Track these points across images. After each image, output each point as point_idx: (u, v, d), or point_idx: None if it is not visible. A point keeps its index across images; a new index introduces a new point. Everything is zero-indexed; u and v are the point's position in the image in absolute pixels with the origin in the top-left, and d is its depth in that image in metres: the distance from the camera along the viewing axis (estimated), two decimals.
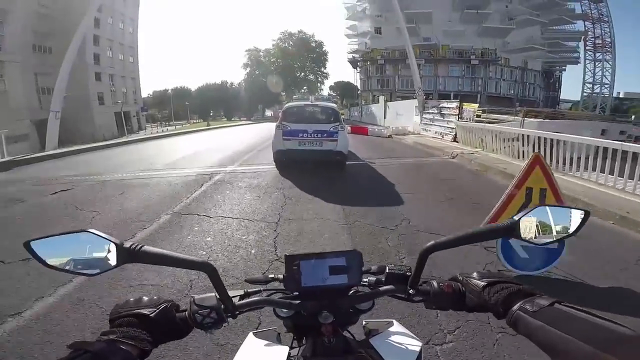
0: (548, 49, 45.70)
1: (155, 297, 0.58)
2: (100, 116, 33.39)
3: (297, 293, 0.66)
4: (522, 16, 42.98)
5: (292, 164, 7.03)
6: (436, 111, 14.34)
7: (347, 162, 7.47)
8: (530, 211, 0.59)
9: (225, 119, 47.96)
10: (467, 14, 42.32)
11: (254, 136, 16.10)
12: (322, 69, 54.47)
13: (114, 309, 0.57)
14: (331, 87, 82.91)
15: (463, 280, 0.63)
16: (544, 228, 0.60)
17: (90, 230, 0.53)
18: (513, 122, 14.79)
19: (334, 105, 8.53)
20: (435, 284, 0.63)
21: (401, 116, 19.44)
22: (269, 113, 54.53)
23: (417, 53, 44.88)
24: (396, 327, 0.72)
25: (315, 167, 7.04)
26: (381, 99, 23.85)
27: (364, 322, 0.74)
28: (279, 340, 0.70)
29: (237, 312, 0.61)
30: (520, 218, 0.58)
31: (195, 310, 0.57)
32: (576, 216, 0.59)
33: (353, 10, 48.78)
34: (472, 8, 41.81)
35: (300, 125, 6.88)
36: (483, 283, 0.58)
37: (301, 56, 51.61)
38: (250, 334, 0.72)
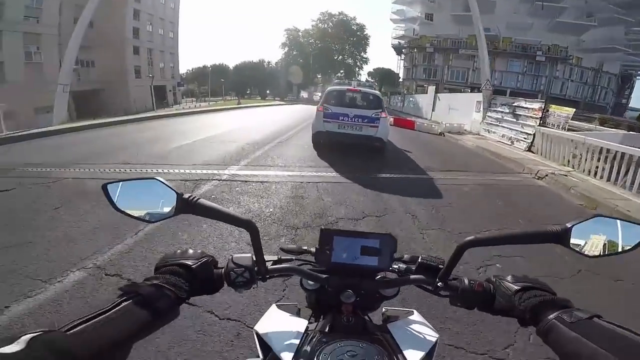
0: (632, 51, 39.02)
1: (199, 251, 0.62)
2: (136, 89, 33.31)
3: (324, 268, 0.66)
4: (604, 14, 36.72)
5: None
6: (507, 110, 11.58)
7: (406, 176, 5.92)
8: (585, 220, 0.56)
9: (260, 98, 46.64)
10: (538, 6, 36.96)
11: (280, 121, 13.97)
12: (362, 54, 51.22)
13: (162, 258, 0.60)
14: (370, 74, 79.09)
15: (496, 282, 0.61)
16: (597, 240, 0.56)
17: (157, 178, 0.57)
18: (596, 132, 11.61)
19: (377, 92, 8.25)
20: (466, 281, 0.61)
21: (455, 111, 16.62)
22: (304, 95, 52.76)
23: (473, 43, 40.65)
24: (416, 316, 0.71)
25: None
26: (431, 89, 20.93)
27: (384, 309, 0.74)
28: (298, 314, 0.71)
29: (268, 276, 0.62)
30: (573, 225, 0.55)
31: (232, 268, 0.59)
32: (635, 231, 0.56)
33: None
34: (545, 0, 36.40)
35: (342, 109, 6.88)
36: (516, 287, 0.56)
37: (340, 39, 48.68)
38: (274, 305, 0.75)
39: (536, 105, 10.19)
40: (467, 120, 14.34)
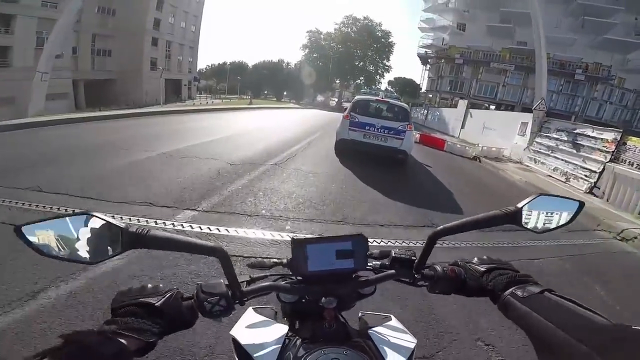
0: None
1: (160, 285, 0.56)
2: (150, 82, 32.43)
3: (301, 278, 0.66)
4: None
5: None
6: (565, 138, 9.46)
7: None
8: (532, 200, 0.62)
9: (275, 99, 45.25)
10: (583, 21, 34.17)
11: (288, 129, 11.66)
12: (385, 61, 49.15)
13: (116, 296, 0.53)
14: (390, 82, 76.71)
15: (464, 266, 0.64)
16: (543, 216, 0.63)
17: (92, 213, 0.49)
18: None
19: (405, 105, 8.31)
20: (439, 268, 0.64)
21: (490, 131, 14.48)
22: (320, 99, 51.13)
23: (506, 57, 38.12)
24: (394, 322, 0.73)
25: None
26: (462, 102, 18.78)
27: (360, 314, 0.75)
28: (275, 318, 0.72)
29: (245, 299, 0.60)
30: (523, 206, 0.61)
31: (204, 298, 0.55)
32: (572, 205, 0.63)
33: (433, 2, 42.56)
34: (592, 15, 33.58)
35: (369, 119, 6.96)
36: (482, 269, 0.61)
37: (363, 44, 46.82)
38: (250, 308, 0.73)
39: (609, 135, 8.05)
40: (506, 144, 12.21)
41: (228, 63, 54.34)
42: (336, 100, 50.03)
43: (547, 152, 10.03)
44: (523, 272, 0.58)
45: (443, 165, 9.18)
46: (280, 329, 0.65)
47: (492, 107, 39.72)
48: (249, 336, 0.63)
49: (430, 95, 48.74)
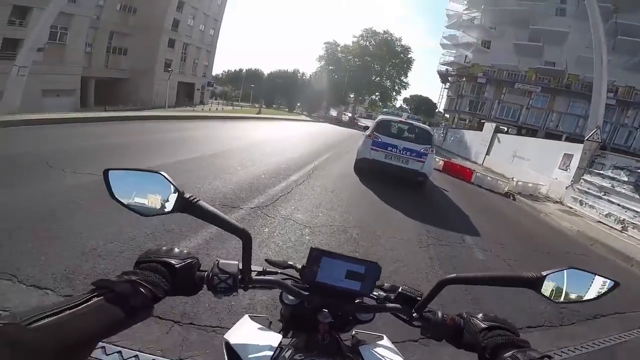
0: None
1: (185, 251, 0.61)
2: (162, 83, 32.00)
3: (307, 286, 0.67)
4: None
5: None
6: (624, 177, 7.78)
7: None
8: (559, 271, 0.60)
9: (287, 110, 44.36)
10: (617, 41, 32.13)
11: (292, 148, 9.64)
12: (402, 78, 47.80)
13: (145, 253, 0.59)
14: (405, 100, 75.18)
15: (466, 318, 0.64)
16: (569, 289, 0.60)
17: (161, 172, 0.56)
18: None
19: (428, 127, 8.21)
20: (440, 314, 0.65)
21: (522, 161, 12.78)
22: (333, 113, 50.13)
23: (532, 77, 36.30)
24: (385, 342, 0.73)
25: None
26: (488, 125, 17.14)
27: (354, 331, 0.76)
28: (270, 327, 0.73)
29: (250, 286, 0.64)
30: (547, 275, 0.59)
31: (216, 273, 0.60)
32: (604, 284, 0.60)
33: (458, 18, 41.33)
34: (627, 35, 31.58)
35: (392, 140, 6.98)
36: (484, 325, 0.60)
37: (381, 59, 45.68)
38: (246, 315, 0.76)
39: None
40: (542, 179, 10.51)
41: (244, 70, 54.23)
42: (349, 115, 48.98)
43: (597, 194, 8.33)
44: (522, 338, 0.57)
45: (472, 202, 7.61)
46: (274, 337, 0.66)
47: (514, 131, 37.77)
48: (242, 341, 0.64)
49: (447, 115, 47.11)
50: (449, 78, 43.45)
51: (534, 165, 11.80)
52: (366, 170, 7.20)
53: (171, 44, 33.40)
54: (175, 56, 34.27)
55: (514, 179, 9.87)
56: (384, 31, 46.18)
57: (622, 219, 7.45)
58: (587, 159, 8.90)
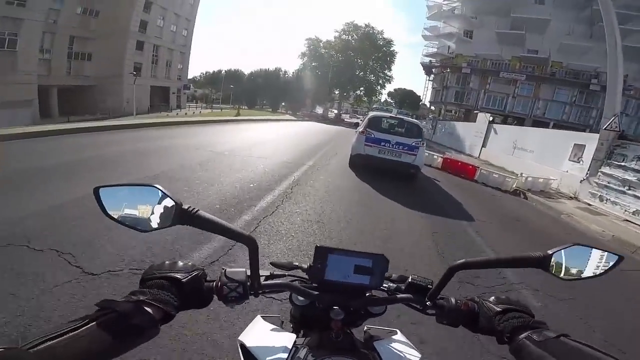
0: None
1: (190, 263, 0.59)
2: (132, 89, 29.94)
3: (316, 284, 0.67)
4: None
5: None
6: None
7: None
8: (564, 248, 0.60)
9: (271, 110, 42.60)
10: (597, 28, 31.94)
11: (269, 157, 7.60)
12: (386, 71, 46.86)
13: (148, 269, 0.57)
14: (390, 94, 74.33)
15: (479, 302, 0.63)
16: (575, 266, 0.61)
17: (156, 185, 0.53)
18: None
19: (418, 122, 8.75)
20: (453, 300, 0.64)
21: (525, 153, 11.82)
22: (318, 110, 48.76)
23: (516, 66, 35.93)
24: (399, 336, 0.73)
25: None
26: (482, 116, 16.16)
27: (365, 327, 0.75)
28: (282, 327, 0.73)
29: (260, 292, 0.62)
30: (553, 253, 0.59)
31: (225, 282, 0.58)
32: (609, 259, 0.61)
33: (438, 9, 40.59)
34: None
35: (384, 135, 7.14)
36: (498, 309, 0.59)
37: (364, 53, 44.64)
38: (258, 316, 0.75)
39: None
40: (550, 172, 9.52)
41: (223, 71, 52.17)
42: (335, 112, 47.65)
43: (620, 188, 7.35)
44: (538, 319, 0.57)
45: (481, 205, 6.47)
46: (288, 337, 0.65)
47: (499, 120, 37.49)
48: (256, 342, 0.64)
49: (433, 108, 46.54)
50: (433, 70, 42.76)
51: (538, 158, 10.83)
52: (361, 165, 7.41)
53: (140, 46, 31.27)
54: (145, 59, 32.13)
55: (523, 175, 8.82)
56: (366, 24, 45.13)
57: None
58: (604, 150, 7.91)
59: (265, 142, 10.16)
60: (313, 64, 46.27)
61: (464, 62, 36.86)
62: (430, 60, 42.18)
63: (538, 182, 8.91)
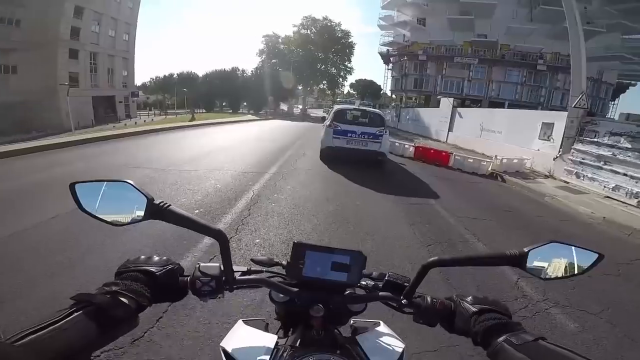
0: (632, 58, 36.48)
1: (164, 258, 0.60)
2: (72, 101, 26.77)
3: (295, 282, 0.66)
4: (603, 20, 33.82)
5: None
6: (627, 144, 6.68)
7: None
8: (542, 245, 0.58)
9: (231, 112, 40.37)
10: (538, 11, 33.78)
11: (218, 172, 6.84)
12: (347, 63, 46.58)
13: (125, 263, 0.58)
14: (351, 85, 74.44)
15: (456, 301, 0.62)
16: (553, 264, 0.59)
17: (128, 181, 0.55)
18: None
19: (379, 111, 9.34)
20: (428, 299, 0.63)
21: (493, 135, 11.71)
22: (284, 108, 47.30)
23: (468, 51, 37.06)
24: (382, 327, 0.72)
25: None
26: (445, 101, 16.06)
27: (351, 321, 0.75)
28: (267, 330, 0.71)
29: (235, 287, 0.62)
30: (530, 250, 0.58)
31: (198, 277, 0.59)
32: (589, 257, 0.59)
33: None
34: (547, 4, 33.18)
35: (350, 126, 7.49)
36: (474, 309, 0.58)
37: (324, 46, 43.97)
38: (240, 321, 0.73)
39: None
40: (521, 152, 9.37)
41: (175, 74, 48.80)
42: (300, 107, 46.50)
43: (596, 164, 7.21)
44: (514, 321, 0.56)
45: (465, 196, 5.94)
46: (270, 338, 0.64)
47: (456, 103, 38.68)
48: (238, 346, 0.63)
49: (394, 96, 47.10)
50: (391, 58, 43.04)
51: (507, 138, 10.71)
52: (331, 156, 7.62)
53: (74, 54, 28.04)
54: (81, 68, 28.91)
55: (497, 157, 8.52)
56: (324, 17, 44.36)
57: (635, 192, 6.31)
58: (575, 127, 7.77)
59: (221, 149, 8.85)
60: (273, 60, 44.77)
61: (420, 49, 37.37)
62: (388, 50, 42.40)
63: (513, 163, 8.68)
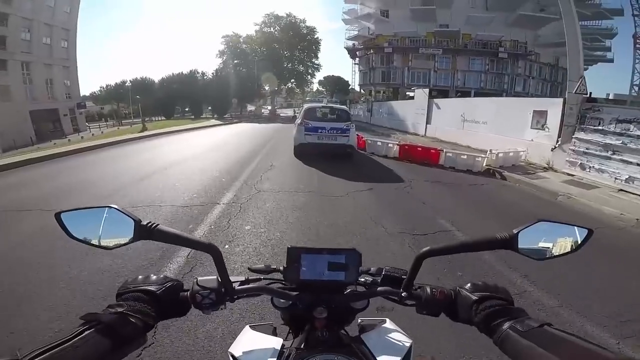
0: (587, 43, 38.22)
1: (162, 276, 0.61)
2: (5, 118, 23.26)
3: (294, 286, 0.67)
4: (556, 7, 35.14)
5: None
6: (638, 131, 5.88)
7: None
8: (530, 225, 0.58)
9: (193, 117, 37.50)
10: (493, 1, 34.30)
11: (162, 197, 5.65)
12: (313, 60, 45.23)
13: (123, 284, 0.59)
14: (320, 82, 73.16)
15: (456, 290, 0.62)
16: (544, 243, 0.58)
17: (113, 206, 0.56)
18: None
19: (345, 107, 10.15)
20: (428, 289, 0.63)
21: (477, 125, 10.89)
22: (250, 109, 45.02)
23: (431, 41, 37.04)
24: (388, 324, 0.73)
25: None
26: (420, 93, 15.19)
27: (359, 320, 0.75)
28: (274, 334, 0.71)
29: (236, 297, 0.62)
30: (519, 231, 0.58)
31: (197, 290, 0.59)
32: (579, 233, 0.58)
33: None
34: None
35: (319, 123, 7.92)
36: (474, 297, 0.57)
37: (289, 44, 42.30)
38: (247, 326, 0.74)
39: None
40: (514, 142, 8.53)
41: (129, 81, 44.90)
42: (269, 108, 44.51)
43: (604, 154, 6.41)
44: (516, 306, 0.55)
45: (468, 204, 4.81)
46: (275, 342, 0.65)
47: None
48: (245, 351, 0.64)
49: (363, 90, 46.53)
50: (357, 53, 42.30)
51: (494, 129, 9.90)
52: (305, 152, 7.92)
53: (2, 65, 24.44)
54: (13, 80, 25.37)
55: (492, 151, 7.57)
56: (287, 14, 42.59)
57: None
58: (575, 114, 6.95)
59: (163, 168, 6.87)
60: (235, 61, 42.42)
61: (385, 42, 36.84)
62: (354, 44, 41.58)
63: (509, 157, 7.79)
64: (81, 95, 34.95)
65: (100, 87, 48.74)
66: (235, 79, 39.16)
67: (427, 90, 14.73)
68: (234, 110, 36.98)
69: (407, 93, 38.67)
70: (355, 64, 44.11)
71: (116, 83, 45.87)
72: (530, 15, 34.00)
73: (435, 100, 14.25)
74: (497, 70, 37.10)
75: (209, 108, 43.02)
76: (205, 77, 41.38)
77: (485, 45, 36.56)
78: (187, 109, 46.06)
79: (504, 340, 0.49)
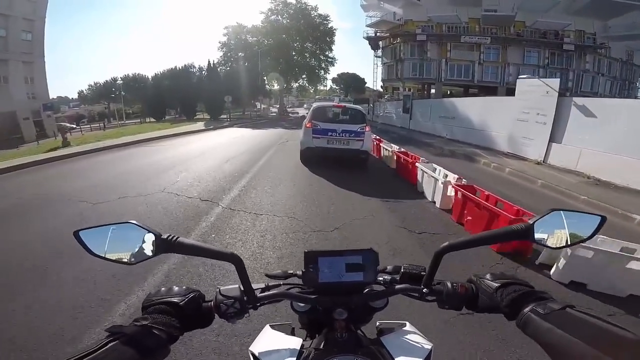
0: None
1: (184, 287, 0.61)
2: None
3: (313, 289, 0.67)
4: None
5: None
6: None
7: None
8: (545, 215, 0.59)
9: (185, 119, 31.40)
10: None
11: None
12: (327, 53, 38.74)
13: (147, 297, 0.59)
14: (333, 80, 66.60)
15: (476, 281, 0.63)
16: (559, 232, 0.59)
17: (131, 221, 0.56)
18: None
19: (359, 107, 8.72)
20: (449, 284, 0.64)
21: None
22: (257, 108, 39.05)
23: (474, 29, 30.12)
24: (408, 327, 0.73)
25: None
26: (535, 84, 8.75)
27: (377, 323, 0.76)
28: (293, 334, 0.73)
29: (258, 304, 0.63)
30: (535, 222, 0.59)
31: (221, 300, 0.60)
32: (592, 221, 0.59)
33: None
34: None
35: (330, 125, 7.12)
36: (496, 284, 0.58)
37: (300, 34, 36.08)
38: (267, 325, 0.76)
39: None
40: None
41: (119, 78, 39.70)
42: (277, 107, 38.43)
43: None
44: (539, 289, 0.56)
45: None
46: (295, 342, 0.66)
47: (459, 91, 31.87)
48: (266, 350, 0.65)
49: (383, 89, 39.98)
50: (380, 43, 35.76)
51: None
52: (313, 158, 7.31)
53: None
54: None
55: None
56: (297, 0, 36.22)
57: None
58: None
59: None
60: (239, 54, 36.56)
61: (417, 28, 30.15)
62: (376, 32, 34.94)
63: None
64: (63, 96, 29.95)
65: (89, 86, 43.74)
66: (234, 73, 33.16)
67: (553, 81, 8.20)
68: (231, 110, 30.51)
69: (446, 90, 32.00)
70: (376, 56, 37.49)
71: (106, 81, 40.60)
72: (608, 1, 26.24)
73: (576, 99, 7.64)
74: (558, 65, 29.81)
75: (200, 108, 36.64)
76: (202, 72, 35.43)
77: (544, 34, 29.37)
78: (178, 109, 40.00)
79: (526, 323, 0.49)
